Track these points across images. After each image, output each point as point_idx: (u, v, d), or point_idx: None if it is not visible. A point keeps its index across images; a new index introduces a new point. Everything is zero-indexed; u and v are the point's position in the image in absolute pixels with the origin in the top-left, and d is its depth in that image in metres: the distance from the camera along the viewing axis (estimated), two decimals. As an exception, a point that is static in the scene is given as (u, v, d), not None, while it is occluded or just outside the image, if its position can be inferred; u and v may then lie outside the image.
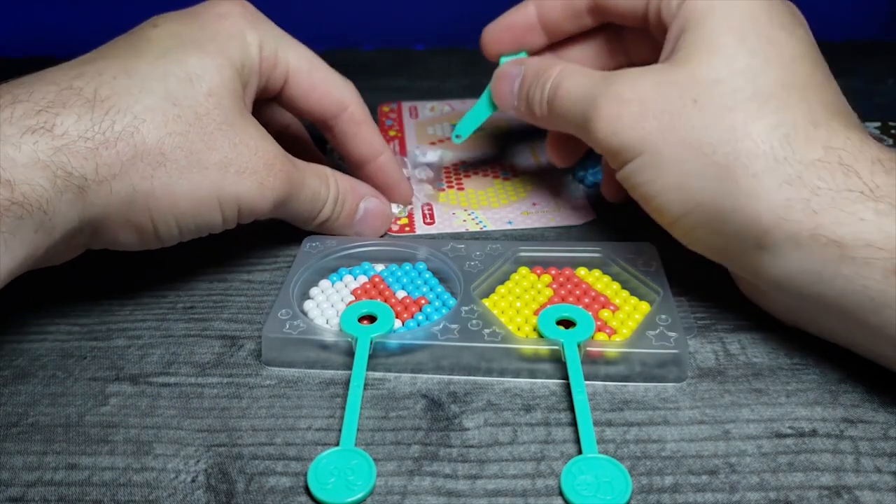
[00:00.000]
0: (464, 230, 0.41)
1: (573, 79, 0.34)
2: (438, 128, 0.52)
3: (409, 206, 0.43)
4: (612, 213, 0.42)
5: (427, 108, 0.55)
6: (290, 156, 0.35)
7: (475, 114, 0.41)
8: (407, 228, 0.41)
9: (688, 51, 0.30)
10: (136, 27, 0.35)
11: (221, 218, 0.33)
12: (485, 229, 0.41)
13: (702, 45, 0.30)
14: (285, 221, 0.41)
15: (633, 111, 0.30)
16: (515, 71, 0.37)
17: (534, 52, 0.40)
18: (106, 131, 0.29)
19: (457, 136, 0.41)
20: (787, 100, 0.29)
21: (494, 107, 0.39)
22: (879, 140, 0.47)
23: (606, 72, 0.33)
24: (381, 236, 0.40)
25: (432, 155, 0.48)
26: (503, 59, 0.39)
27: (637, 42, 0.38)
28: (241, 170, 0.32)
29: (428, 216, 0.42)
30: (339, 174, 0.38)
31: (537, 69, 0.36)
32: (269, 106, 0.41)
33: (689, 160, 0.29)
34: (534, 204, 0.43)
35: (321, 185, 0.37)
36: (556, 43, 0.39)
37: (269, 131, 0.35)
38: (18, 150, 0.27)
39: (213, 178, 0.32)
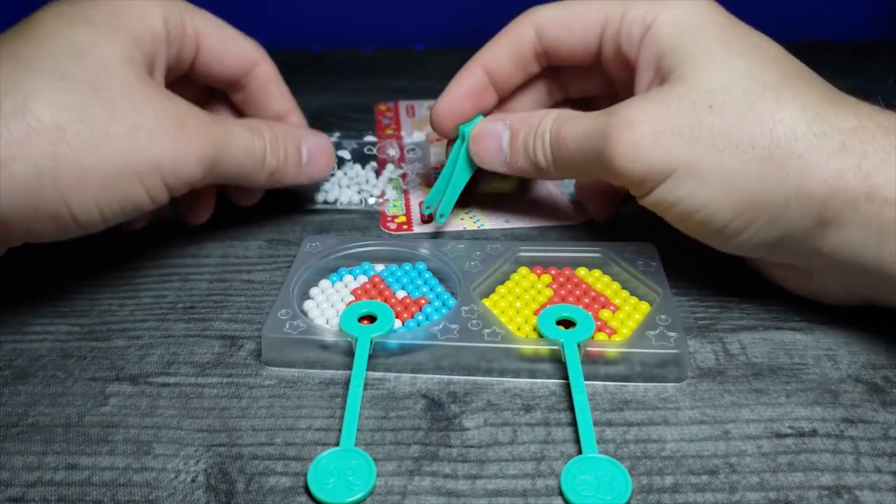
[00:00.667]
0: (461, 229, 0.41)
1: (573, 121, 0.33)
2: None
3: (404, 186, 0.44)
4: (612, 213, 0.42)
5: (424, 107, 0.55)
6: (208, 113, 0.34)
7: (453, 185, 0.38)
8: (405, 227, 0.41)
9: (680, 70, 0.31)
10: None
11: (144, 190, 0.31)
12: (482, 228, 0.41)
13: (692, 60, 0.30)
14: (282, 222, 0.41)
15: (648, 132, 0.30)
16: (498, 128, 0.36)
17: (487, 113, 0.39)
18: None
19: (440, 216, 0.39)
20: (796, 88, 0.29)
21: (473, 168, 0.38)
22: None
23: (605, 109, 0.32)
24: (328, 180, 0.43)
25: (418, 136, 0.50)
26: (463, 128, 0.38)
27: (575, 78, 0.39)
28: (152, 133, 0.31)
29: (425, 214, 0.42)
30: (269, 121, 0.38)
31: (527, 121, 0.36)
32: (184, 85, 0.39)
33: (727, 163, 0.29)
34: (531, 203, 0.43)
35: (253, 135, 0.36)
36: (504, 99, 0.40)
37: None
38: None
39: (122, 147, 0.30)
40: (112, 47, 0.31)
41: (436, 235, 0.40)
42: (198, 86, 0.40)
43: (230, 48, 0.38)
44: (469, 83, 0.38)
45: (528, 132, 0.35)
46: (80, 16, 0.32)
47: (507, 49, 0.37)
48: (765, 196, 0.29)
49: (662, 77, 0.32)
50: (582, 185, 0.41)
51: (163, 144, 0.31)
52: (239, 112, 0.41)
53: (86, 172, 0.29)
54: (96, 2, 0.33)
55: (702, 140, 0.29)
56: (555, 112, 0.35)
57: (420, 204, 0.42)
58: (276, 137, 0.37)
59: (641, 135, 0.30)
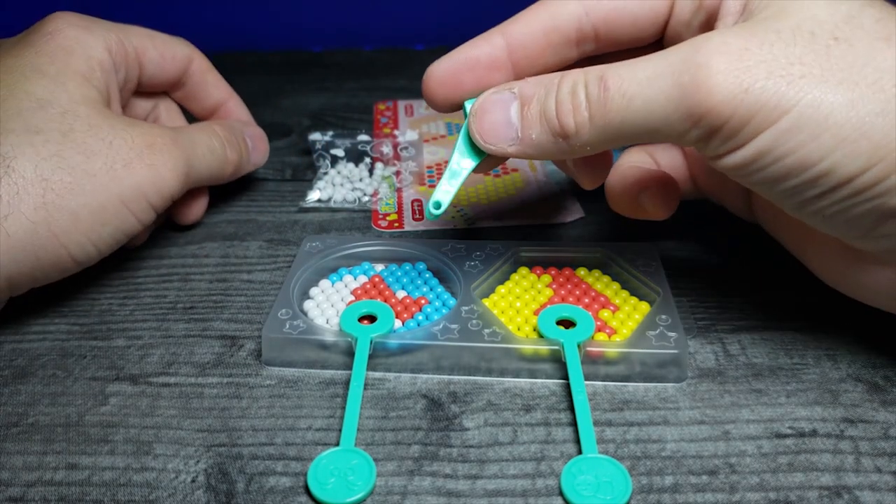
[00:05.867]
0: (452, 226, 0.41)
1: (625, 66, 0.26)
2: (433, 125, 0.52)
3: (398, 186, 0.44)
4: (609, 213, 0.41)
5: (422, 106, 0.55)
6: (167, 127, 0.36)
7: (453, 174, 0.31)
8: (396, 224, 0.41)
9: (777, 6, 0.25)
10: None
11: (132, 215, 0.33)
12: (473, 226, 0.41)
13: None
14: (282, 222, 0.41)
15: (759, 60, 0.24)
16: (505, 97, 0.29)
17: None
18: None
19: (435, 208, 0.31)
20: None
21: (479, 154, 0.30)
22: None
23: (675, 46, 0.26)
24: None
25: (411, 134, 0.50)
26: (467, 104, 0.31)
27: None
28: (127, 162, 0.33)
29: (417, 212, 0.42)
30: (215, 120, 0.41)
31: (543, 82, 0.28)
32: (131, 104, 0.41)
33: (863, 102, 0.23)
34: (523, 201, 0.43)
35: (211, 136, 0.38)
36: None
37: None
38: None
39: (104, 182, 0.32)
40: (68, 92, 0.33)
41: (429, 234, 0.40)
42: (146, 95, 0.41)
43: (167, 54, 0.39)
44: (479, 52, 0.30)
45: (548, 92, 0.28)
46: (29, 67, 0.33)
47: (543, 22, 0.30)
48: None
49: (756, 14, 0.26)
50: (636, 179, 0.34)
51: (140, 169, 0.33)
52: (181, 107, 0.43)
53: (76, 214, 0.31)
54: (37, 47, 0.34)
55: (830, 74, 0.24)
56: (579, 69, 0.27)
57: (413, 202, 0.41)
58: (228, 133, 0.40)
59: (753, 63, 0.24)
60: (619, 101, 0.26)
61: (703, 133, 0.25)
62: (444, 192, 0.31)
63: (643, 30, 0.30)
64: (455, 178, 0.31)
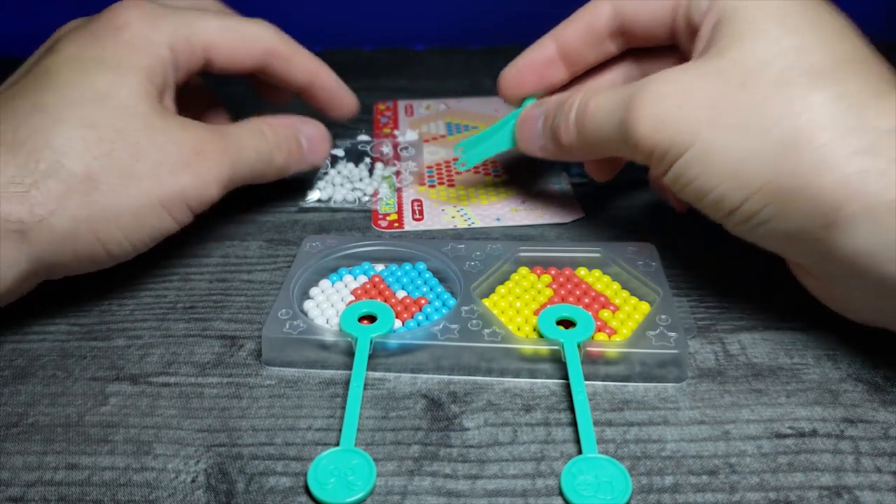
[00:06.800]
0: (452, 227, 0.41)
1: (601, 95, 0.33)
2: (433, 125, 0.52)
3: (397, 186, 0.44)
4: (609, 213, 0.42)
5: (423, 106, 0.55)
6: (218, 128, 0.36)
7: (491, 145, 0.40)
8: (396, 224, 0.41)
9: (726, 40, 0.29)
10: (35, 55, 0.35)
11: (171, 219, 0.33)
12: (473, 226, 0.41)
13: (741, 32, 0.29)
14: (282, 222, 0.41)
15: (674, 105, 0.29)
16: (538, 112, 0.37)
17: (556, 90, 0.39)
18: (33, 172, 0.29)
19: (462, 164, 0.40)
20: (843, 73, 0.27)
21: (514, 143, 0.39)
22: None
23: (636, 82, 0.31)
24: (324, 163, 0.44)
25: (411, 134, 0.50)
26: (527, 102, 0.39)
27: (656, 64, 0.37)
28: (174, 168, 0.33)
29: (417, 212, 0.42)
30: (268, 119, 0.39)
31: (559, 100, 0.36)
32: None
33: (743, 142, 0.27)
34: (523, 201, 0.43)
35: (260, 140, 0.37)
36: (578, 78, 0.39)
37: (191, 111, 0.37)
38: None
39: (149, 186, 0.32)
40: (128, 87, 0.33)
41: (429, 234, 0.40)
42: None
43: (240, 48, 0.38)
44: (535, 55, 0.38)
45: (557, 110, 0.35)
46: (91, 58, 0.33)
47: (581, 23, 0.37)
48: (776, 183, 0.27)
49: (710, 48, 0.30)
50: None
51: (185, 176, 0.33)
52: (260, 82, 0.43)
53: (118, 214, 0.31)
54: (103, 41, 0.33)
55: (723, 117, 0.28)
56: (583, 89, 0.34)
57: (453, 157, 0.42)
58: (278, 136, 0.39)
59: (666, 107, 0.29)
60: (591, 124, 0.33)
61: (642, 157, 0.31)
62: (476, 158, 0.40)
63: (658, 30, 0.35)
64: (491, 150, 0.40)
